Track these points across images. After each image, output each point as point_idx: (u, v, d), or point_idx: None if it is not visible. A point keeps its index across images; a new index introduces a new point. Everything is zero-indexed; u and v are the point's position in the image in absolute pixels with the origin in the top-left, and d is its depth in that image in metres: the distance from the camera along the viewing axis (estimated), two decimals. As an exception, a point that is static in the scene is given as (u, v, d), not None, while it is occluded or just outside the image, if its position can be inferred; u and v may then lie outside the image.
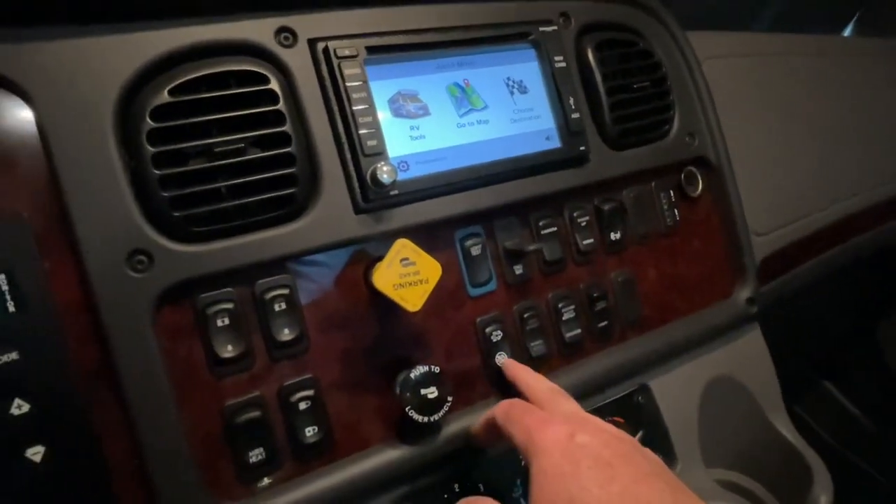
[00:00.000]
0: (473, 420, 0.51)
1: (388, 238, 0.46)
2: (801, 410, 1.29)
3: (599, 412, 0.58)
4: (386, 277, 0.45)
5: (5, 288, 0.37)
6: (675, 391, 0.62)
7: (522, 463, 0.51)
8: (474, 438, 0.50)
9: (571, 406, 0.46)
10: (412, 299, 0.45)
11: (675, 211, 0.65)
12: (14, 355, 0.37)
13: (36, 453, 0.38)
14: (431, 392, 0.47)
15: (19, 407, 0.37)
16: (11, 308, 0.37)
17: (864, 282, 1.23)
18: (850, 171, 0.89)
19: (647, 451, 0.42)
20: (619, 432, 0.42)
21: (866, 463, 1.24)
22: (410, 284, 0.45)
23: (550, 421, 0.43)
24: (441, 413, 0.47)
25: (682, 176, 0.65)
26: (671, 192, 0.65)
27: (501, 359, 0.53)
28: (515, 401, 0.47)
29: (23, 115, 0.39)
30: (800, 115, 0.84)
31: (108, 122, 0.40)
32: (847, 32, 1.27)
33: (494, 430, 0.46)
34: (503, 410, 0.46)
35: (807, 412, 1.30)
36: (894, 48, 1.04)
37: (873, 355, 1.27)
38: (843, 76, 0.93)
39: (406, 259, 0.45)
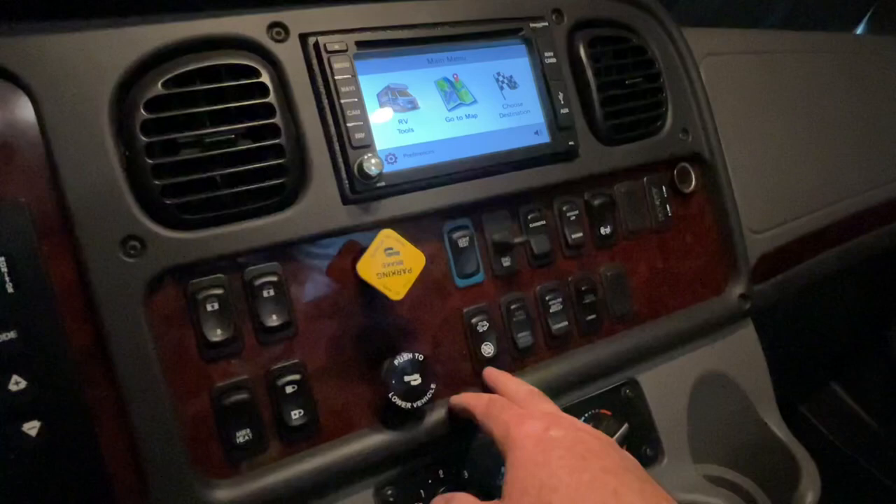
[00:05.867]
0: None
1: (376, 228, 0.48)
2: (807, 411, 1.28)
3: (586, 404, 0.59)
4: (370, 266, 0.46)
5: (5, 270, 0.39)
6: (665, 386, 0.63)
7: (506, 452, 0.52)
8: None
9: (550, 406, 0.47)
10: (395, 288, 0.46)
11: (668, 207, 0.65)
12: (12, 334, 0.39)
13: (32, 428, 0.40)
14: (415, 379, 0.48)
15: (17, 383, 0.39)
16: (10, 289, 0.39)
17: (874, 282, 1.21)
18: (856, 170, 0.88)
19: (623, 451, 0.42)
20: (595, 431, 0.43)
21: (873, 466, 1.22)
22: (394, 273, 0.46)
23: (528, 416, 0.44)
24: (424, 400, 0.48)
25: (675, 172, 0.66)
26: (663, 187, 0.65)
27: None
28: (495, 397, 0.48)
29: (22, 106, 0.40)
30: (803, 112, 0.84)
31: (104, 113, 0.42)
32: (860, 30, 1.25)
33: (471, 415, 0.47)
34: (483, 406, 0.47)
35: (813, 414, 1.29)
36: (905, 46, 1.03)
37: (883, 356, 1.25)
38: (851, 74, 0.92)
39: (390, 249, 0.46)
